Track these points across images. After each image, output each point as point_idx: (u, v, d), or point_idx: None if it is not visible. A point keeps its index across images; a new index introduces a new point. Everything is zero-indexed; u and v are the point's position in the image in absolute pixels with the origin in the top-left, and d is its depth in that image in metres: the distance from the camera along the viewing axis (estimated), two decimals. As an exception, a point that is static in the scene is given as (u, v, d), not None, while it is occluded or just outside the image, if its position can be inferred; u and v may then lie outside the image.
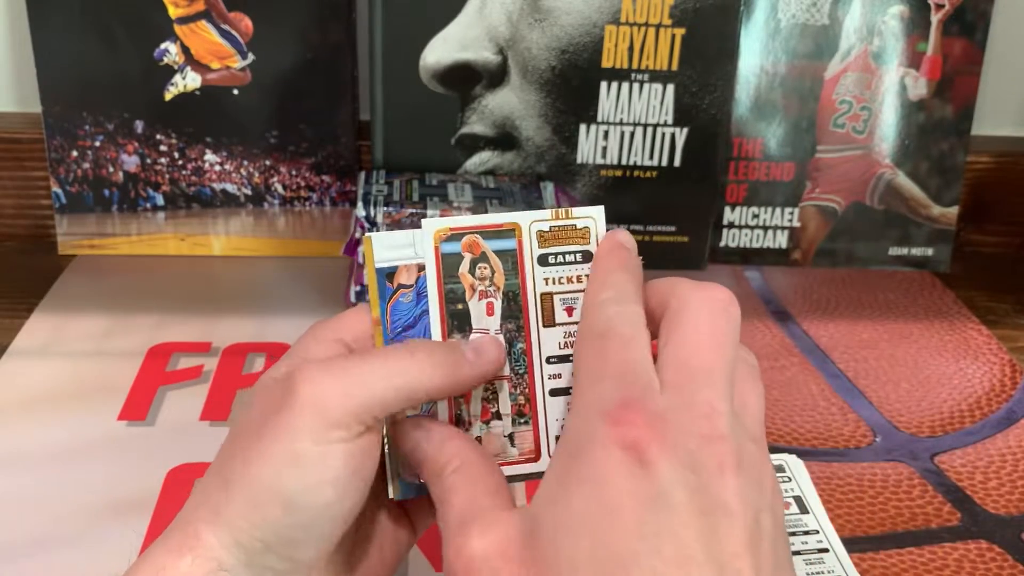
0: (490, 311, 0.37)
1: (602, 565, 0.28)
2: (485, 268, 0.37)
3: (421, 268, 0.37)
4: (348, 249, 0.69)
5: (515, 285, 0.37)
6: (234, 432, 0.35)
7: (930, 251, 0.83)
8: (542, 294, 0.37)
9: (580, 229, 0.37)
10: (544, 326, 0.37)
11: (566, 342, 0.37)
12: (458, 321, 0.36)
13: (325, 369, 0.33)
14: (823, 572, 0.50)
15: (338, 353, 0.36)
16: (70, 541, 0.50)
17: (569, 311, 0.37)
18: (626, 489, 0.28)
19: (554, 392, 0.37)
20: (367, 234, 0.37)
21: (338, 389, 0.32)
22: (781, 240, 0.82)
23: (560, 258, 0.37)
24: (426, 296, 0.36)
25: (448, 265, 0.37)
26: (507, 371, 0.37)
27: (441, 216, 0.36)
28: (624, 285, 0.34)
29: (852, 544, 0.52)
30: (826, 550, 0.51)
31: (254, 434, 0.33)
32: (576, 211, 0.37)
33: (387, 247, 0.37)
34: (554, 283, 0.37)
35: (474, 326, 0.36)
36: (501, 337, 0.36)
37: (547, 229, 0.37)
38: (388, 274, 0.37)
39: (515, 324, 0.37)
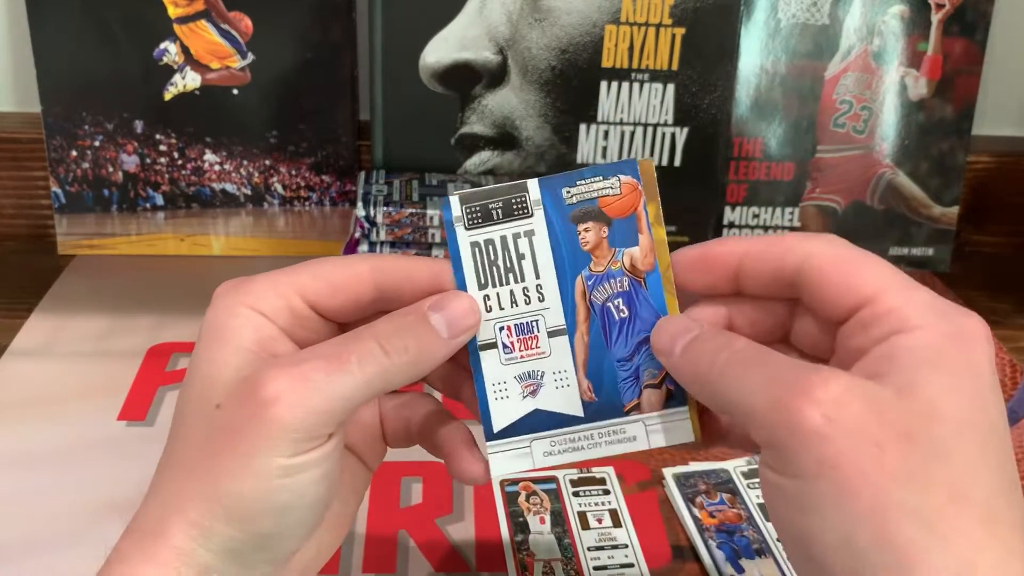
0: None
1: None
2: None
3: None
4: (348, 249, 0.69)
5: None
6: (201, 435, 0.34)
7: (930, 251, 0.83)
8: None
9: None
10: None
11: None
12: None
13: (296, 380, 0.33)
14: None
15: (296, 317, 0.36)
16: (70, 541, 0.50)
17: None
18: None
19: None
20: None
21: (308, 405, 0.32)
22: (781, 240, 0.82)
23: None
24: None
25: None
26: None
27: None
28: None
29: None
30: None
31: (228, 445, 0.33)
32: None
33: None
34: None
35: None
36: (477, 297, 0.36)
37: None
38: None
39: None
